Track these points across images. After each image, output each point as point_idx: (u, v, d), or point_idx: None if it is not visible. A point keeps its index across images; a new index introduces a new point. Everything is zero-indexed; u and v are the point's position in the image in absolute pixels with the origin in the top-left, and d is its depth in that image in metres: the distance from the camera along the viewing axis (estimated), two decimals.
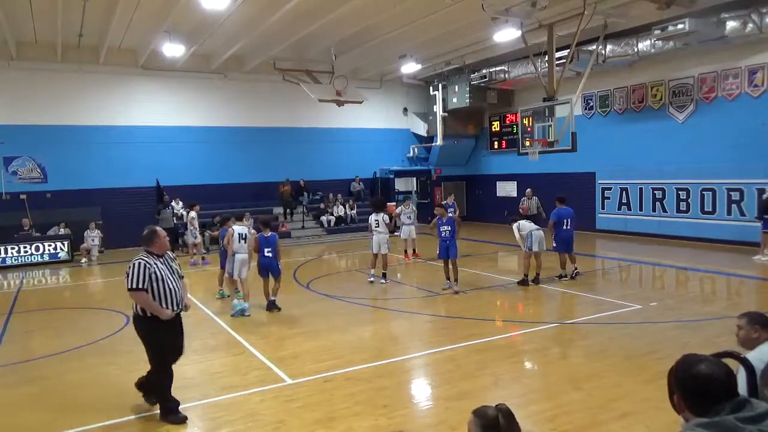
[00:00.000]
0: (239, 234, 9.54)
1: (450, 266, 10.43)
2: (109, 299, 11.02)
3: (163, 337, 5.23)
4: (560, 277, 11.22)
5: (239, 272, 9.48)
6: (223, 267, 10.40)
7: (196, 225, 15.57)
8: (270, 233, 9.45)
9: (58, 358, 7.31)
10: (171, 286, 5.19)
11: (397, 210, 15.26)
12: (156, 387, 5.34)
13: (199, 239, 15.56)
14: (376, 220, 11.68)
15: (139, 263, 5.10)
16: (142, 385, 5.52)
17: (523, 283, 10.90)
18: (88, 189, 18.02)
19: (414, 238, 14.89)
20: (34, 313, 10.23)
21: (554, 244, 11.30)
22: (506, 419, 2.19)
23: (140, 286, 5.02)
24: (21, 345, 8.18)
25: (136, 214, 18.59)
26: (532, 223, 11.32)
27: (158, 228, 5.44)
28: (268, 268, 9.44)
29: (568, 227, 11.16)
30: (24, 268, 15.53)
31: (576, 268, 11.33)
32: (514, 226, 11.25)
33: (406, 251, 14.95)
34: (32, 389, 6.24)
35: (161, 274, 5.13)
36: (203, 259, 15.72)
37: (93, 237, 16.68)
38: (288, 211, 20.21)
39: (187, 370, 6.67)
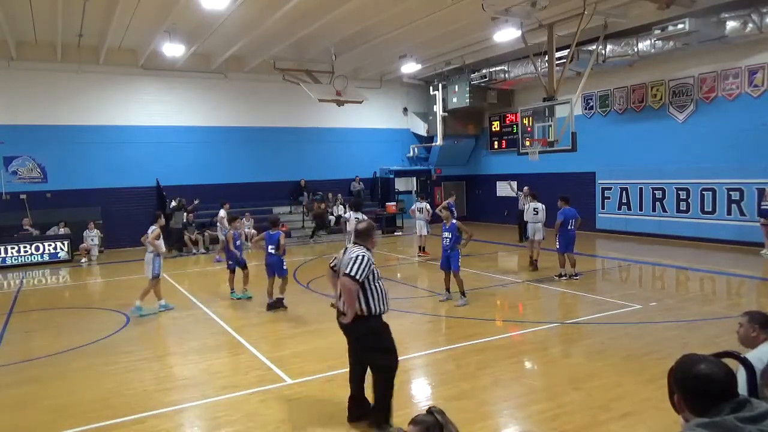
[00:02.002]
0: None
1: (452, 278, 9.63)
2: (109, 299, 11.03)
3: (389, 336, 4.83)
4: (559, 276, 11.27)
5: (145, 270, 9.76)
6: (230, 269, 10.62)
7: (226, 223, 15.77)
8: (275, 231, 9.64)
9: (58, 358, 7.31)
10: (384, 286, 4.90)
11: (422, 205, 15.37)
12: (385, 396, 4.78)
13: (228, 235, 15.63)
14: (356, 218, 12.25)
15: (367, 257, 4.72)
16: (368, 413, 4.83)
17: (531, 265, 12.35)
18: (88, 189, 18.02)
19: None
20: (34, 312, 10.24)
21: (557, 245, 11.29)
22: (443, 416, 2.29)
23: (360, 278, 4.61)
24: (21, 345, 8.18)
25: (136, 214, 18.62)
26: (537, 214, 12.18)
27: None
28: (272, 266, 9.55)
29: (572, 227, 11.20)
30: (24, 268, 15.54)
31: (575, 272, 11.26)
32: (525, 205, 12.16)
33: (422, 248, 15.14)
34: (32, 389, 6.24)
35: (378, 273, 4.86)
36: (219, 257, 15.79)
37: (92, 237, 16.68)
38: (319, 232, 19.60)
39: (187, 370, 6.69)
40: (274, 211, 19.88)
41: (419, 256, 15.04)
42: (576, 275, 11.22)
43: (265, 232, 9.84)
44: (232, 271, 10.65)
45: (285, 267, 9.64)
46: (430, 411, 2.33)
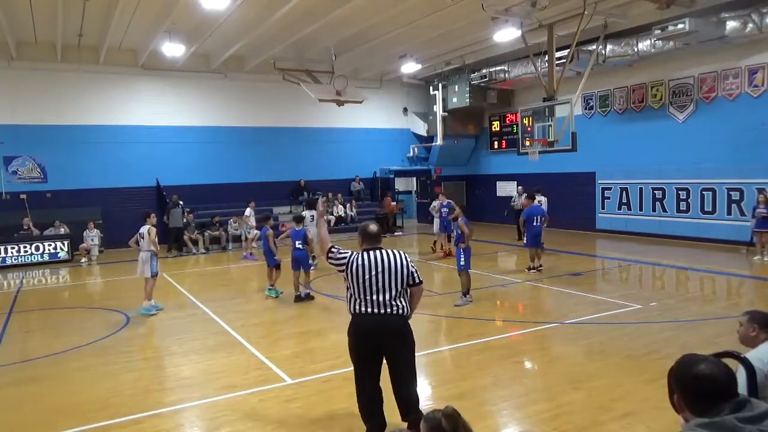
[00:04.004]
0: (139, 234, 9.70)
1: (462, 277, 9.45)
2: (109, 299, 11.03)
3: None
4: (529, 269, 12.05)
5: (141, 270, 9.63)
6: (269, 266, 10.59)
7: (252, 222, 16.19)
8: (300, 227, 10.14)
9: (58, 358, 7.30)
10: None
11: (434, 203, 15.63)
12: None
13: (252, 234, 15.75)
14: (311, 215, 12.78)
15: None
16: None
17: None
18: (88, 189, 18.00)
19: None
20: (34, 312, 10.24)
21: (524, 240, 12.25)
22: (448, 420, 2.28)
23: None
24: (21, 345, 8.19)
25: (136, 215, 18.54)
26: (540, 206, 13.35)
27: None
28: (299, 261, 9.96)
29: (538, 224, 12.05)
30: (24, 267, 15.53)
31: (541, 265, 12.08)
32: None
33: (438, 244, 15.25)
34: (32, 389, 6.24)
35: None
36: (251, 253, 15.89)
37: (92, 237, 16.69)
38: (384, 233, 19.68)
39: (187, 370, 6.68)
40: (274, 211, 19.92)
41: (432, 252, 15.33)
42: (538, 268, 11.97)
43: (290, 228, 10.30)
44: (276, 268, 10.55)
45: (311, 262, 10.09)
46: (444, 411, 2.30)
